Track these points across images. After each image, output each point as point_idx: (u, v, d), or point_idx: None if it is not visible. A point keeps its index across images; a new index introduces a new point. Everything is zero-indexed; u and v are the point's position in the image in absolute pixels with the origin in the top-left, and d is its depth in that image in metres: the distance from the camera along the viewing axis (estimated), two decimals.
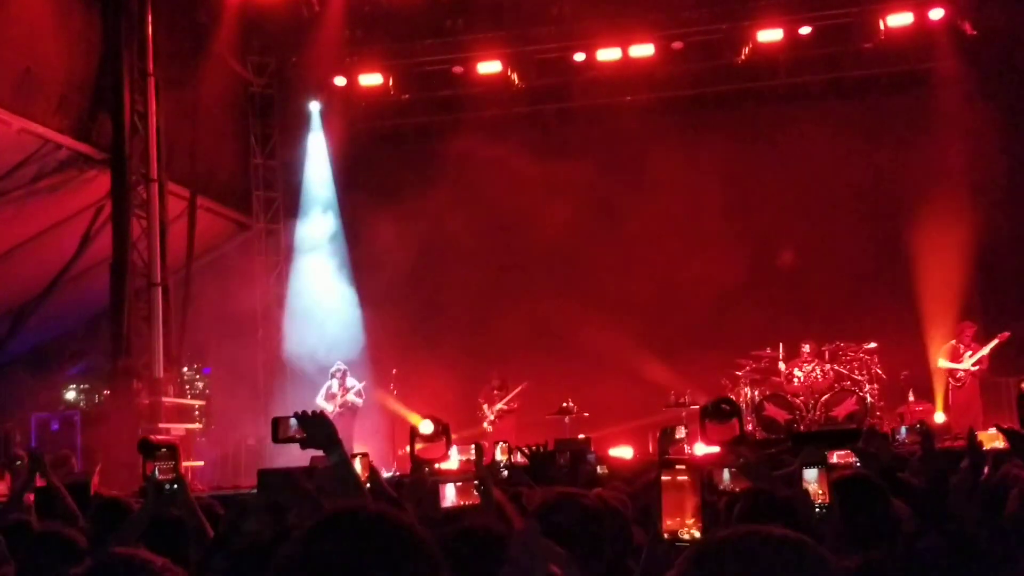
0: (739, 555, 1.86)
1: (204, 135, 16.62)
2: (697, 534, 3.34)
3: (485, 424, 16.73)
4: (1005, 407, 14.36)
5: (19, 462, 9.07)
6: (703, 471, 3.88)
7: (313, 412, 4.06)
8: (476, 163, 17.28)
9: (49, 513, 6.13)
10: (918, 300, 16.50)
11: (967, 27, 16.98)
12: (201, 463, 15.53)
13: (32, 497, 7.03)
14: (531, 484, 5.71)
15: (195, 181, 16.43)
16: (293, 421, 4.11)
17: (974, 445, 4.92)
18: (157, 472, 5.14)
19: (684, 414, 15.77)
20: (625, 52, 17.73)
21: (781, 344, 16.09)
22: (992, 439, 5.02)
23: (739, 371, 16.25)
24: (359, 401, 16.52)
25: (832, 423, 15.02)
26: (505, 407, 16.84)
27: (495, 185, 17.31)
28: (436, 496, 4.75)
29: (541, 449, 6.33)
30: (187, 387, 17.88)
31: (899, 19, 17.12)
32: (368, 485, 5.71)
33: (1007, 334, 15.10)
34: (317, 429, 3.93)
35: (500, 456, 7.95)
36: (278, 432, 4.27)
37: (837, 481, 4.32)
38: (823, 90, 17.96)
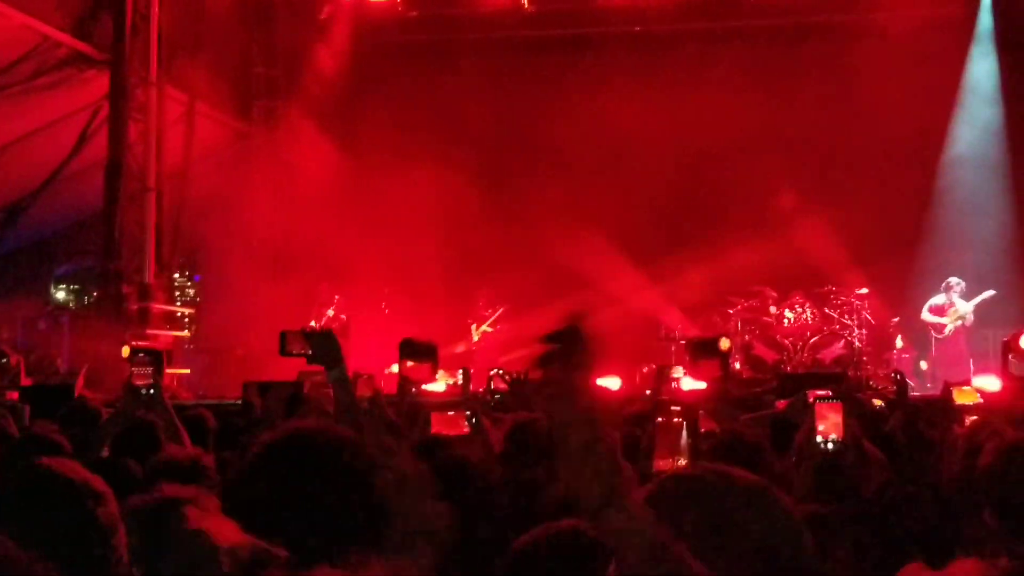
0: (693, 493, 1.87)
1: (206, 40, 16.41)
2: None
3: (471, 345, 16.82)
4: (992, 358, 14.40)
5: (4, 359, 9.08)
6: (695, 412, 3.90)
7: (322, 329, 4.17)
8: (480, 85, 17.11)
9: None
10: (913, 249, 16.48)
11: None
12: (187, 371, 15.57)
13: (16, 396, 7.05)
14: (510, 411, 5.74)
15: (195, 86, 16.25)
16: (300, 336, 4.20)
17: (946, 401, 4.94)
18: (134, 376, 5.13)
19: (673, 348, 15.87)
20: None
21: (773, 286, 16.13)
22: (969, 396, 5.04)
23: (731, 309, 16.29)
24: (343, 317, 16.63)
25: (818, 366, 15.09)
26: (489, 328, 16.91)
27: (497, 107, 17.19)
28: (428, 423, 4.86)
29: (523, 377, 6.33)
30: (177, 294, 17.85)
31: None
32: (368, 407, 5.80)
33: (992, 292, 15.19)
34: (322, 345, 4.02)
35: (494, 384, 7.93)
36: (286, 345, 4.37)
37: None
38: (837, 30, 17.65)
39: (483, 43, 17.84)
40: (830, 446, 3.93)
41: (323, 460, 2.16)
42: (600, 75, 17.76)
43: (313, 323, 16.27)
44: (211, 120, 17.55)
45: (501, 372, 7.99)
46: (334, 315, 16.62)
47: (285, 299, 18.02)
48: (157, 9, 14.89)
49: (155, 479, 3.26)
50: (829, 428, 3.94)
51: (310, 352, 4.06)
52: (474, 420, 4.80)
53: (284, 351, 4.37)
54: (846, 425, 3.94)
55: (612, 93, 17.40)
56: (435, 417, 4.92)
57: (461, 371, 8.33)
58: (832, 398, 4.08)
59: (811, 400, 4.23)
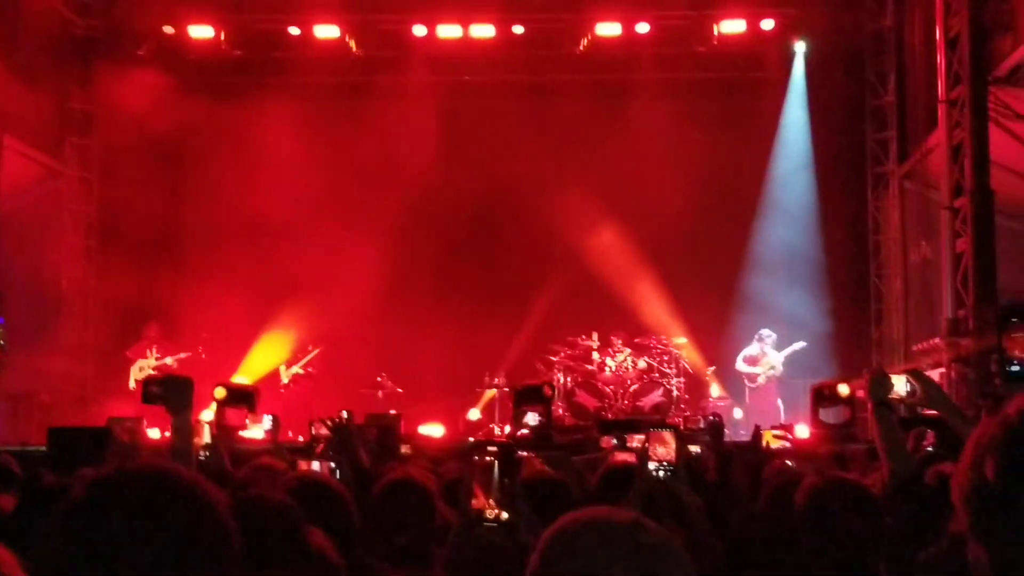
0: (579, 540, 1.84)
1: (18, 72, 15.75)
2: (504, 514, 3.44)
3: (280, 387, 16.57)
4: (801, 406, 14.94)
5: None
6: (511, 452, 3.92)
7: (179, 376, 4.34)
8: (305, 128, 16.97)
9: None
10: (730, 299, 17.02)
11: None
12: None
13: None
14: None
15: (4, 120, 15.56)
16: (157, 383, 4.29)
17: (756, 444, 5.11)
18: None
19: (496, 396, 15.99)
20: (466, 30, 17.63)
21: (596, 333, 16.41)
22: (778, 440, 5.24)
23: (554, 356, 16.47)
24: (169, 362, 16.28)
25: (638, 413, 15.40)
26: (300, 371, 16.66)
27: (321, 153, 17.08)
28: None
29: (345, 422, 6.18)
30: None
31: (732, 26, 17.55)
32: (208, 453, 5.75)
33: (802, 343, 15.87)
34: (174, 391, 4.14)
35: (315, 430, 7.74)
36: (147, 394, 4.47)
37: (609, 470, 4.41)
38: (657, 88, 18.15)
39: (308, 86, 17.69)
40: (661, 473, 4.07)
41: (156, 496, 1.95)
42: (418, 120, 17.72)
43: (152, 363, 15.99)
44: (21, 155, 16.81)
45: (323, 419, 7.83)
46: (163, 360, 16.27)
47: (95, 344, 17.39)
48: None
49: None
50: (662, 455, 4.07)
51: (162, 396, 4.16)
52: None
53: (144, 399, 4.46)
54: (678, 449, 4.11)
55: (428, 138, 17.36)
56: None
57: (270, 417, 8.14)
58: (663, 427, 4.24)
59: (642, 437, 4.35)
